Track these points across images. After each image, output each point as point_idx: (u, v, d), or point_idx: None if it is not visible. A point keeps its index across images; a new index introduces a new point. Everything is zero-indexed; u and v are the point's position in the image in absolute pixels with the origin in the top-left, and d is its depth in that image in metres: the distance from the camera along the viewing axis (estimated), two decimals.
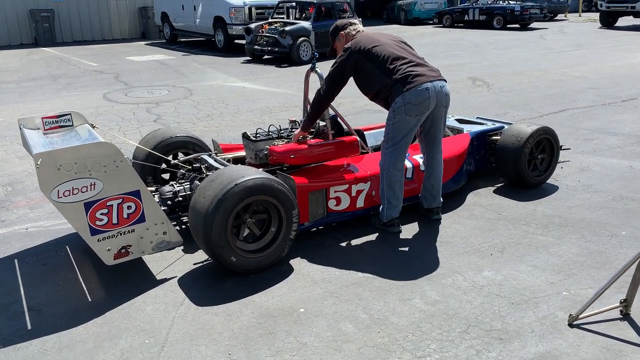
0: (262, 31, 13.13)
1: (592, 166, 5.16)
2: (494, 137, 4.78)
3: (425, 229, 3.91)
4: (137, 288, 3.18)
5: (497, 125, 4.98)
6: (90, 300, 3.08)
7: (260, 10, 14.82)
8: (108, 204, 3.01)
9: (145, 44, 17.57)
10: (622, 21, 20.63)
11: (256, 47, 13.07)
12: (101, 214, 3.00)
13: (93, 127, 3.95)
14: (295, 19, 14.50)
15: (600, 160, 5.32)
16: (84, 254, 3.61)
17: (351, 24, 3.97)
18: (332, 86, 3.71)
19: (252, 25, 13.32)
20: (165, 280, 3.27)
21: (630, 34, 17.56)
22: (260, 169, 3.53)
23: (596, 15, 23.00)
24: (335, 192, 3.78)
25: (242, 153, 4.30)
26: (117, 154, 2.98)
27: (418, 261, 3.44)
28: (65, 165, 2.85)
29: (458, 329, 2.71)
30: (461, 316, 2.82)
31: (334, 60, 3.77)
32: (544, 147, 4.62)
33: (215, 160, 3.90)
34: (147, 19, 19.13)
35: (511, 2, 21.23)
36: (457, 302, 2.95)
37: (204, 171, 3.82)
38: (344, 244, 3.72)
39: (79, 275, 3.36)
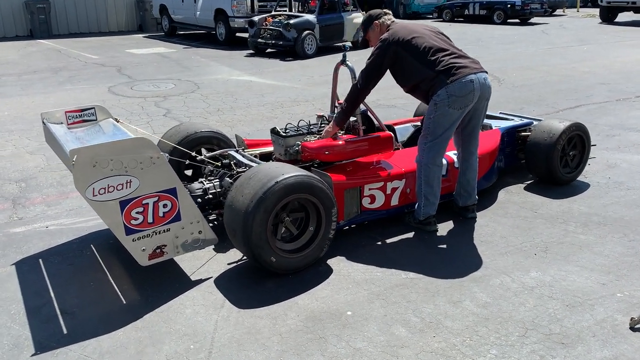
0: (266, 24, 12.93)
1: (619, 163, 5.07)
2: (523, 133, 4.68)
3: (461, 228, 3.80)
4: (172, 289, 3.05)
5: (526, 121, 4.88)
6: (124, 302, 2.94)
7: (263, 3, 14.63)
8: (144, 202, 2.87)
9: (143, 37, 17.28)
10: (622, 17, 20.62)
11: (260, 40, 12.85)
12: (137, 212, 2.85)
13: (117, 121, 3.81)
14: (298, 12, 14.33)
15: (627, 157, 5.24)
16: (110, 253, 3.48)
17: (385, 13, 3.82)
18: (368, 79, 3.57)
19: (256, 18, 13.12)
20: (200, 281, 3.14)
21: (631, 30, 17.55)
22: (295, 166, 3.40)
23: (594, 11, 23.04)
24: (369, 189, 3.66)
25: (268, 149, 4.17)
26: (154, 150, 2.84)
27: (460, 261, 3.33)
28: (101, 161, 2.70)
29: (516, 333, 2.60)
30: (516, 319, 2.71)
31: (370, 52, 3.64)
32: (576, 143, 4.53)
33: (244, 157, 3.76)
34: (145, 11, 18.80)
35: None
36: (510, 305, 2.84)
37: (234, 167, 3.68)
38: (380, 243, 3.60)
39: (109, 276, 3.22)
